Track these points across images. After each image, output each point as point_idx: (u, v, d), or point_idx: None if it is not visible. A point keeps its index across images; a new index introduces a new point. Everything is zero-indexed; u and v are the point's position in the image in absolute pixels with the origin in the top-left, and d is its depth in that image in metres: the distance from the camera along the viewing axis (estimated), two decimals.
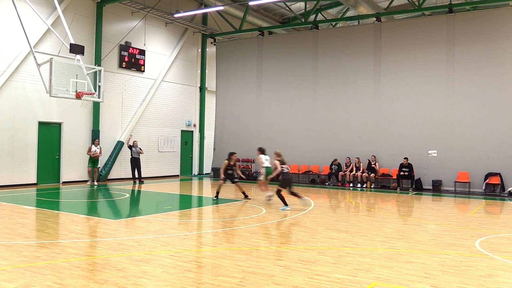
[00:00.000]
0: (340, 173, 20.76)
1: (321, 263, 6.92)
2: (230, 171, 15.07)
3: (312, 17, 26.06)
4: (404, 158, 19.32)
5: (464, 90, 18.95)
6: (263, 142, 23.54)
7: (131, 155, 20.27)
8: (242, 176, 16.37)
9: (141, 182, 20.02)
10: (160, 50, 23.63)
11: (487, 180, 18.08)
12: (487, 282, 6.10)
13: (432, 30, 19.80)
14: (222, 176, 14.98)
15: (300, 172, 22.30)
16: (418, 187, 19.20)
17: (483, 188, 18.19)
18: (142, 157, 21.09)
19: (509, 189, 17.82)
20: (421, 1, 21.28)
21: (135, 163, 20.33)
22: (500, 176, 17.95)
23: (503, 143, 17.95)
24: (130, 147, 20.22)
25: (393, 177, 19.82)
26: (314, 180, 22.05)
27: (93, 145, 19.14)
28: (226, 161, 15.07)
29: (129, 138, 20.46)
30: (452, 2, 20.51)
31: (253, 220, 10.88)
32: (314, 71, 22.50)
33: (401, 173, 19.29)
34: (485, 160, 18.28)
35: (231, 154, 15.39)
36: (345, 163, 20.88)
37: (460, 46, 19.11)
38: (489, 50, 18.56)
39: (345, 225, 10.50)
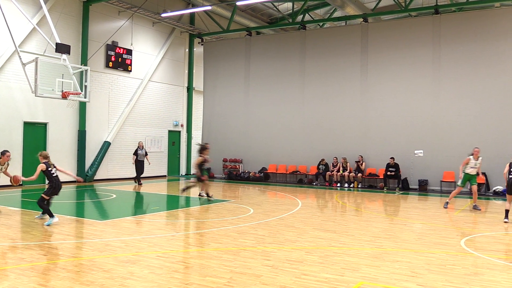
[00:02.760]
0: (328, 173, 20.84)
1: (308, 263, 6.94)
2: (204, 167, 14.81)
3: (299, 18, 26.13)
4: (391, 158, 19.46)
5: (450, 91, 19.14)
6: (251, 142, 23.65)
7: (137, 158, 19.57)
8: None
9: (140, 184, 19.60)
10: (147, 50, 23.51)
11: None
12: (472, 281, 6.17)
13: (419, 31, 19.97)
14: (199, 173, 14.62)
15: (288, 172, 22.35)
16: (404, 187, 19.35)
17: (469, 187, 18.36)
18: (128, 157, 20.95)
19: (493, 188, 18.03)
20: (407, 2, 21.45)
21: (141, 165, 19.70)
22: (486, 176, 18.16)
23: (489, 143, 18.15)
24: (136, 151, 19.69)
25: (380, 177, 19.95)
26: (301, 180, 22.11)
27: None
28: (201, 157, 14.74)
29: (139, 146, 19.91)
30: (438, 3, 20.70)
31: (241, 220, 10.87)
32: (301, 71, 22.57)
33: (388, 172, 19.43)
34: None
35: (205, 148, 14.90)
36: (332, 163, 20.97)
37: (446, 46, 19.29)
38: (475, 51, 18.76)
39: (332, 224, 10.55)
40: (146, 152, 19.83)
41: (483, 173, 18.17)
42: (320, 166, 21.16)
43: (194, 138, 26.48)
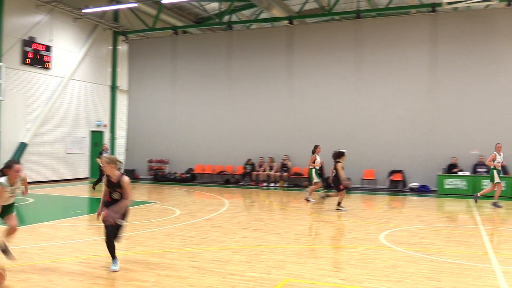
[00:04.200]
0: (254, 172, 21.06)
1: (235, 263, 6.97)
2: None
3: (226, 18, 26.17)
4: None
5: (369, 93, 20.03)
6: (178, 143, 23.36)
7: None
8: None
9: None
10: (68, 46, 22.48)
11: (391, 177, 19.26)
12: (391, 273, 6.48)
13: (341, 34, 20.74)
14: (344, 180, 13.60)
15: (215, 172, 22.32)
16: (329, 185, 19.94)
17: (387, 184, 19.34)
18: (47, 159, 19.94)
19: (410, 185, 19.10)
20: (331, 6, 22.16)
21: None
22: (403, 173, 19.21)
23: (405, 142, 19.21)
24: (100, 153, 18.14)
25: (305, 176, 20.44)
26: (228, 180, 22.16)
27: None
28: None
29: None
30: (360, 8, 21.56)
31: (167, 222, 10.70)
32: (228, 71, 22.62)
33: None
34: (389, 158, 19.43)
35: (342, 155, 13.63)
36: (259, 163, 21.21)
37: (367, 49, 20.17)
38: (395, 54, 19.77)
39: (259, 224, 10.66)
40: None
41: (401, 171, 19.24)
42: (247, 166, 21.34)
43: (119, 139, 25.72)
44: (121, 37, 25.48)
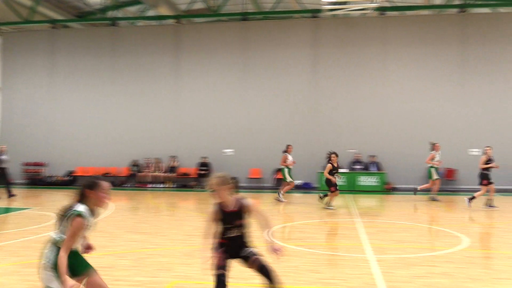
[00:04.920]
0: (140, 173, 20.52)
1: (120, 268, 6.73)
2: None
3: (113, 14, 25.07)
4: (203, 157, 20.07)
5: (254, 93, 20.59)
6: (57, 144, 21.93)
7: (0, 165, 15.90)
8: None
9: (12, 195, 15.81)
10: None
11: (275, 175, 19.96)
12: (276, 268, 6.68)
13: (228, 35, 21.09)
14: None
15: (99, 174, 21.28)
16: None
17: (273, 182, 20.01)
18: None
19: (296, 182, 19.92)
20: (217, 7, 22.32)
21: (5, 174, 15.99)
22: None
23: (288, 141, 19.92)
24: None
25: (193, 176, 20.41)
26: (113, 182, 21.25)
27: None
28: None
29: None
30: (247, 11, 21.91)
31: (44, 229, 10.00)
32: (113, 69, 21.76)
33: (201, 171, 19.99)
34: (274, 157, 20.05)
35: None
36: (145, 164, 20.72)
37: (253, 51, 20.75)
38: (280, 56, 20.50)
39: (145, 226, 10.42)
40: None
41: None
42: (133, 167, 20.73)
43: None
44: None
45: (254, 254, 4.55)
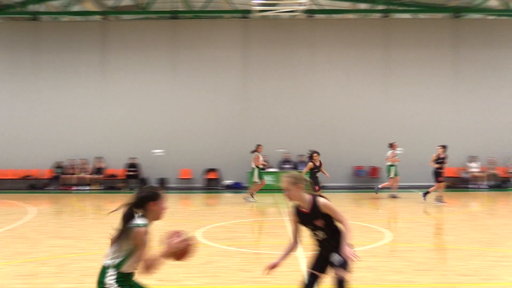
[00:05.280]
0: (64, 176, 19.64)
1: (43, 275, 6.41)
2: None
3: (34, 8, 23.73)
4: (131, 158, 19.59)
5: (184, 93, 20.36)
6: None
7: None
8: None
9: None
10: None
11: (206, 175, 19.89)
12: (207, 269, 6.69)
13: (158, 33, 20.79)
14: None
15: (18, 177, 20.05)
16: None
17: (203, 182, 19.92)
18: None
19: (224, 182, 19.97)
20: (146, 5, 21.81)
21: None
22: (218, 171, 19.99)
23: (220, 142, 19.97)
24: None
25: (121, 178, 19.85)
26: (34, 185, 20.18)
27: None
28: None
29: None
30: (176, 9, 21.56)
31: None
32: (34, 65, 20.54)
33: (129, 173, 19.49)
34: (205, 157, 20.00)
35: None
36: (70, 165, 19.85)
37: (182, 49, 20.50)
38: (210, 56, 20.41)
39: (70, 230, 9.99)
40: None
41: (216, 169, 20.03)
42: (56, 169, 19.79)
43: None
44: None
45: (337, 266, 4.15)
